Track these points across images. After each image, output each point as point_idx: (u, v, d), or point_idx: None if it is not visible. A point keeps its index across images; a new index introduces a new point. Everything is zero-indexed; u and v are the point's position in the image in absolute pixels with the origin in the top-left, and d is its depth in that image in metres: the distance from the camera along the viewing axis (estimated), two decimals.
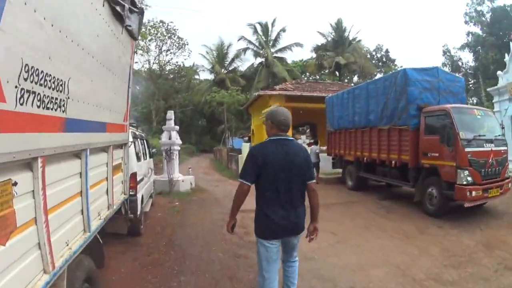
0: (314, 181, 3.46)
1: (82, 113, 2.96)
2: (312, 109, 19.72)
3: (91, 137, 3.27)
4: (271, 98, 22.02)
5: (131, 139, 6.35)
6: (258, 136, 27.81)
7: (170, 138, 13.12)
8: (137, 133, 7.74)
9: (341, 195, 11.37)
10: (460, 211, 8.26)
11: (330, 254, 5.96)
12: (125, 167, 5.10)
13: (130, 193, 6.26)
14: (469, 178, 7.88)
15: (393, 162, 10.16)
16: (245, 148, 17.65)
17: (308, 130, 21.37)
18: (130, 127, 6.94)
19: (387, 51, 53.73)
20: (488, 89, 19.96)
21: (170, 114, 13.54)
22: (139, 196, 6.68)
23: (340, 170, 14.31)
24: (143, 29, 24.84)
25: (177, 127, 13.57)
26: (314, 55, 48.35)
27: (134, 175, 6.36)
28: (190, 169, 15.43)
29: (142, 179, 7.35)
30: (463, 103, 10.06)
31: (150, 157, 9.57)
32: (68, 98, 2.59)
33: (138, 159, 7.18)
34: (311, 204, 3.44)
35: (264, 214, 3.22)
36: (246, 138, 34.03)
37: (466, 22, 36.79)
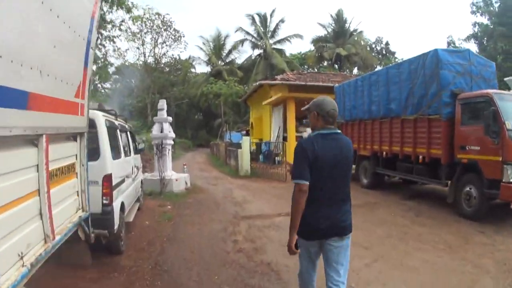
0: None
1: None
2: None
3: None
4: (272, 88, 20.76)
5: (102, 128, 4.80)
6: (257, 129, 26.48)
7: (162, 131, 11.48)
8: (116, 122, 6.10)
9: (358, 195, 9.80)
10: (495, 211, 7.45)
11: (372, 280, 4.56)
12: (83, 170, 3.49)
13: (104, 201, 4.78)
14: None
15: (420, 157, 9.05)
16: (245, 142, 16.07)
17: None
18: (106, 114, 5.40)
19: (387, 44, 52.96)
20: (505, 79, 18.67)
21: (162, 103, 11.85)
22: (116, 205, 5.15)
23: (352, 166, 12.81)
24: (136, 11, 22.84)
25: (170, 118, 11.89)
26: (313, 48, 47.79)
27: (108, 178, 4.83)
28: (185, 166, 13.75)
29: (122, 181, 5.81)
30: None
31: (136, 152, 8.02)
32: None
33: (117, 155, 5.63)
34: None
35: (311, 212, 2.78)
36: (244, 132, 33.19)
37: (473, 12, 35.62)
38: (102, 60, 15.52)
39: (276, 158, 18.43)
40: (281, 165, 15.46)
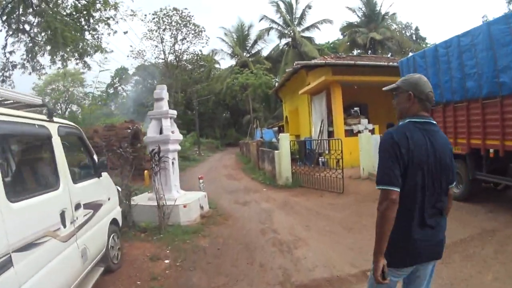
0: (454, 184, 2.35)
1: None
2: (364, 84, 15.11)
3: None
4: (311, 73, 17.04)
5: None
6: (293, 124, 22.89)
7: (161, 132, 7.71)
8: None
9: (456, 216, 6.04)
10: None
11: None
12: None
13: None
14: None
15: None
16: (284, 140, 12.12)
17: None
18: None
19: (417, 29, 49.97)
20: None
21: (160, 91, 7.93)
22: None
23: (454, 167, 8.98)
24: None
25: (174, 112, 8.01)
26: (341, 37, 46.40)
27: None
28: (201, 180, 9.79)
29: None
30: None
31: (92, 175, 4.37)
32: None
33: None
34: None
35: (401, 232, 2.04)
36: (276, 128, 30.26)
37: None
38: (95, 48, 12.61)
39: (320, 158, 14.60)
40: (329, 168, 11.43)
